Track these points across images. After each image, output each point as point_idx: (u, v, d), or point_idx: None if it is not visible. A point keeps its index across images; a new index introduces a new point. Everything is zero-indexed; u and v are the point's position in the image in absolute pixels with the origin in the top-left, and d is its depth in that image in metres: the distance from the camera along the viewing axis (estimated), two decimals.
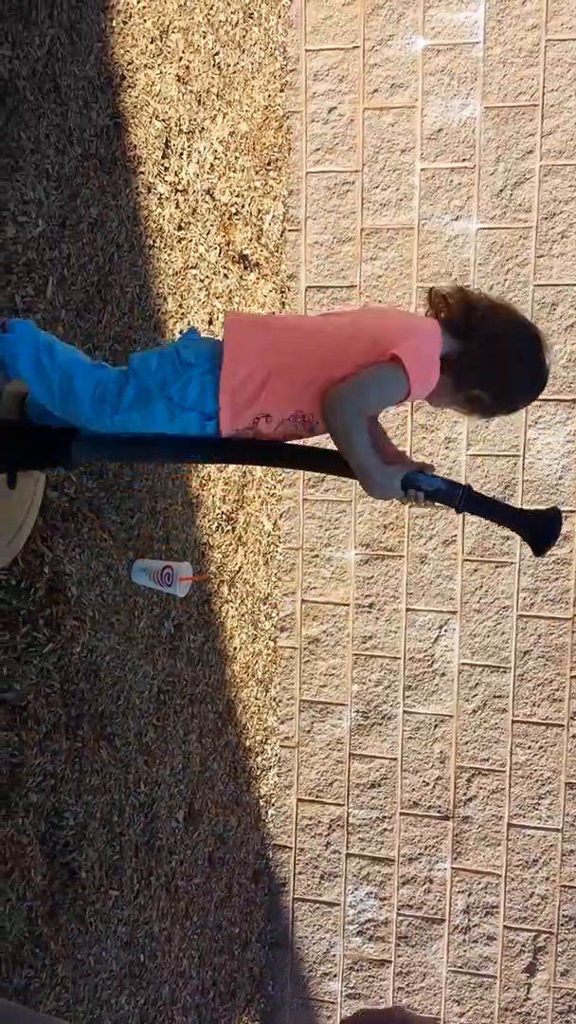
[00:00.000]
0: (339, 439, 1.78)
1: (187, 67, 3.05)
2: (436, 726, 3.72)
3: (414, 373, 1.77)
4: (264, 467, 3.67)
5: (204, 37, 3.15)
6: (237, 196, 3.42)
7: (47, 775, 2.36)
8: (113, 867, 2.70)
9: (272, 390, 1.83)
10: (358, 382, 1.78)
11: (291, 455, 1.95)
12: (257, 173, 3.55)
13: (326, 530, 3.83)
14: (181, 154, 3.04)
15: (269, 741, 3.83)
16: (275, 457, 2.04)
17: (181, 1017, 3.17)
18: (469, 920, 3.72)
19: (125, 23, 2.68)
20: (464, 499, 1.82)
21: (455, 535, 3.67)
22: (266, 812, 3.86)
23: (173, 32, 2.95)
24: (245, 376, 1.82)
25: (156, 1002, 3.00)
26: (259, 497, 3.66)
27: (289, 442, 1.93)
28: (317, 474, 3.72)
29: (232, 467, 3.45)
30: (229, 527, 3.44)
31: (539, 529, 1.84)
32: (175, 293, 3.02)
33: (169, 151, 2.96)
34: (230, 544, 3.46)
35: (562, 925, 3.62)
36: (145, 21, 2.79)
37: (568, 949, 3.62)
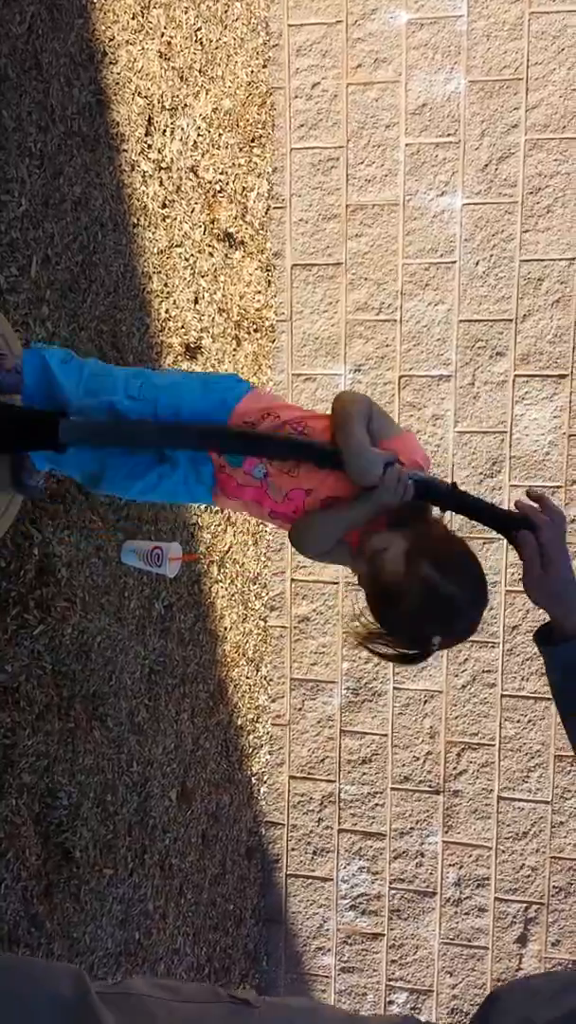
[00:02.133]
0: (338, 418, 1.76)
1: (169, 43, 3.01)
2: (426, 702, 3.75)
3: (408, 440, 1.81)
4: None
5: (186, 12, 3.11)
6: (221, 173, 3.39)
7: (40, 756, 2.37)
8: (107, 846, 2.71)
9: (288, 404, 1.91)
10: (368, 398, 1.80)
11: (279, 447, 1.95)
12: (241, 150, 3.52)
13: None
14: (164, 131, 3.01)
15: (260, 719, 3.85)
16: (263, 447, 2.04)
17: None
18: (460, 892, 3.76)
19: None
20: (451, 494, 1.76)
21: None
22: (258, 790, 3.89)
23: (155, 7, 2.92)
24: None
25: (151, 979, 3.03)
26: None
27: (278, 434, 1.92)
28: None
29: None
30: (218, 507, 3.44)
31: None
32: (160, 272, 3.01)
33: (152, 128, 2.94)
34: (219, 524, 3.46)
35: (552, 896, 3.66)
36: None
37: (559, 919, 3.67)
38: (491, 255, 3.59)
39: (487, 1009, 1.31)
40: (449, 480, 1.82)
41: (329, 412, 1.80)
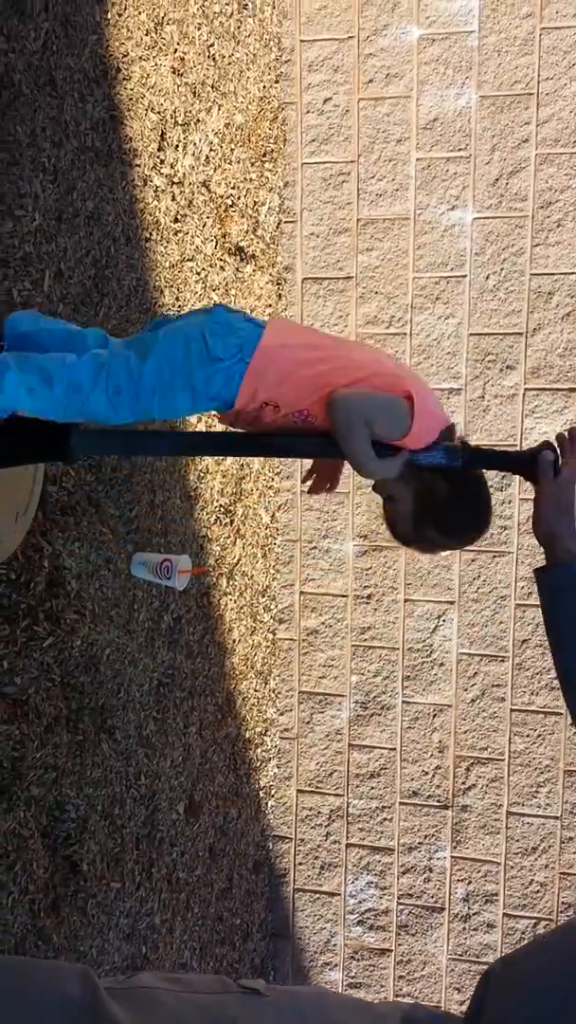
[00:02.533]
0: (339, 432, 1.76)
1: (182, 59, 3.04)
2: (435, 716, 3.74)
3: (418, 421, 1.75)
4: (262, 459, 3.68)
5: (199, 28, 3.13)
6: (233, 188, 3.41)
7: (48, 768, 2.37)
8: (114, 859, 2.71)
9: (293, 384, 1.79)
10: (370, 394, 1.77)
11: (285, 446, 1.95)
12: (253, 165, 3.54)
13: (324, 522, 3.83)
14: (177, 146, 3.03)
15: (269, 732, 3.85)
16: (270, 448, 2.04)
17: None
18: (469, 908, 3.74)
19: (120, 15, 2.67)
20: (464, 455, 1.81)
21: None
22: (266, 803, 3.88)
23: (168, 24, 2.94)
24: (273, 373, 1.79)
25: None
26: (257, 490, 3.66)
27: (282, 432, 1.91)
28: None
29: (230, 460, 3.45)
30: (227, 520, 3.45)
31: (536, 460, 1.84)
32: (172, 286, 3.02)
33: (165, 143, 2.95)
34: (228, 537, 3.46)
35: (562, 912, 3.64)
36: (140, 13, 2.78)
37: None
38: (501, 269, 3.59)
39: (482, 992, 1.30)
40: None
41: (327, 405, 1.77)
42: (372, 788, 3.82)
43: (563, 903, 3.63)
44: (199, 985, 1.35)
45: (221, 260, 3.35)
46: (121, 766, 2.74)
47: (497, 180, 3.58)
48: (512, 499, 3.60)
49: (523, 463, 1.78)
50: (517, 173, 3.56)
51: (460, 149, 3.60)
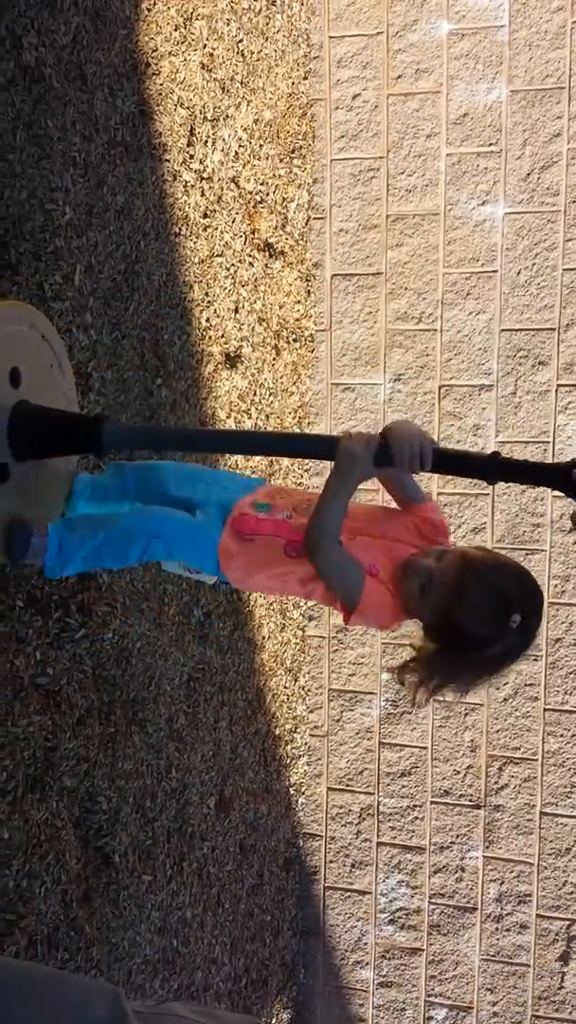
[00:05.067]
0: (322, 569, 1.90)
1: (211, 54, 3.05)
2: (467, 715, 3.71)
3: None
4: (290, 458, 3.67)
5: (228, 24, 3.14)
6: (262, 184, 3.41)
7: (80, 759, 2.37)
8: (146, 852, 2.71)
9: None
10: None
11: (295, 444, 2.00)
12: (281, 161, 3.54)
13: None
14: (206, 142, 3.04)
15: (299, 729, 3.84)
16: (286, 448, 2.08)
17: (214, 1003, 3.18)
18: (502, 908, 3.70)
19: (149, 10, 2.69)
20: (489, 466, 1.79)
21: (484, 523, 3.65)
22: (296, 800, 3.87)
23: (197, 19, 2.95)
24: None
25: (189, 987, 3.02)
26: (286, 485, 3.66)
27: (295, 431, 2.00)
28: None
29: (259, 457, 3.45)
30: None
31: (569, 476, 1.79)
32: (201, 281, 3.03)
33: (194, 139, 2.96)
34: None
35: None
36: (169, 8, 2.79)
37: None
38: (533, 264, 3.57)
39: None
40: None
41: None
42: (403, 787, 3.80)
43: None
44: (230, 1021, 1.32)
45: (250, 256, 3.35)
46: (152, 759, 2.74)
47: (529, 175, 3.55)
48: (544, 496, 3.57)
49: (555, 478, 1.73)
50: (549, 168, 3.53)
51: (491, 144, 3.58)
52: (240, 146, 3.26)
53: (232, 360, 3.25)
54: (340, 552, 1.87)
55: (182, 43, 2.87)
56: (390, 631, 2.05)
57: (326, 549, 1.87)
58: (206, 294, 3.06)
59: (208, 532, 2.00)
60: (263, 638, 3.52)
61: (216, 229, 3.12)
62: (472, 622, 1.80)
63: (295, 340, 3.68)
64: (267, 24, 3.41)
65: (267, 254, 3.46)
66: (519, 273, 3.57)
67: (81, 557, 2.01)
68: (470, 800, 3.72)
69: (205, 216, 3.04)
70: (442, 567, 1.82)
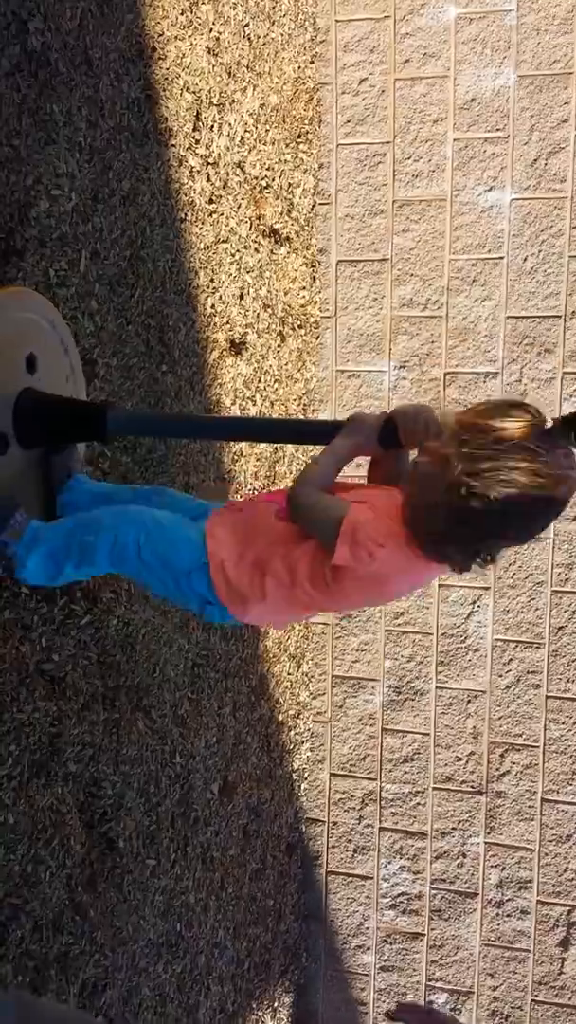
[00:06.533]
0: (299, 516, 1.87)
1: (217, 39, 3.03)
2: (469, 701, 3.72)
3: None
4: (295, 444, 3.67)
5: (234, 8, 3.12)
6: (267, 169, 3.40)
7: (85, 745, 2.39)
8: (150, 837, 2.73)
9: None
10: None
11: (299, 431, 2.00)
12: (287, 146, 3.52)
13: None
14: (212, 127, 3.02)
15: (302, 716, 3.85)
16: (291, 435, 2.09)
17: (217, 987, 3.21)
18: (503, 894, 3.73)
19: None
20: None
21: None
22: (299, 786, 3.88)
23: (203, 3, 2.93)
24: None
25: (192, 971, 3.04)
26: (290, 473, 3.66)
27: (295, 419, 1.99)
28: None
29: (263, 444, 3.44)
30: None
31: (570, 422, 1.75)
32: (206, 267, 3.02)
33: (200, 124, 2.95)
34: None
35: None
36: None
37: None
38: (539, 251, 3.55)
39: None
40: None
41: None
42: (405, 773, 3.81)
43: None
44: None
45: (255, 242, 3.34)
46: (156, 744, 2.75)
47: (536, 160, 3.53)
48: None
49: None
50: (556, 153, 3.51)
51: (498, 129, 3.56)
52: (246, 131, 3.24)
53: (237, 347, 3.24)
54: (319, 493, 1.82)
55: (188, 27, 2.85)
56: (407, 584, 1.90)
57: (303, 492, 1.83)
58: (211, 280, 3.06)
59: (188, 523, 1.96)
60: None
61: (222, 215, 3.10)
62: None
63: (300, 327, 3.67)
64: (273, 8, 3.39)
65: (272, 240, 3.45)
66: (525, 260, 3.56)
67: (49, 548, 1.95)
68: (472, 786, 3.73)
69: (211, 202, 3.03)
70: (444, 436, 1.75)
